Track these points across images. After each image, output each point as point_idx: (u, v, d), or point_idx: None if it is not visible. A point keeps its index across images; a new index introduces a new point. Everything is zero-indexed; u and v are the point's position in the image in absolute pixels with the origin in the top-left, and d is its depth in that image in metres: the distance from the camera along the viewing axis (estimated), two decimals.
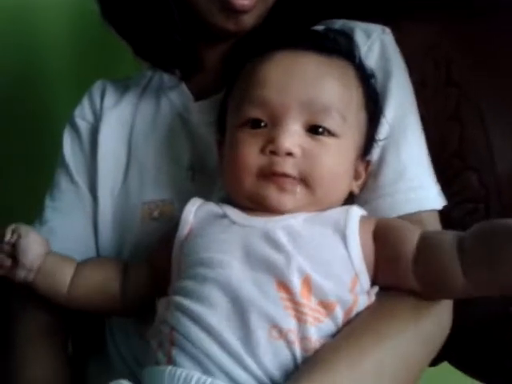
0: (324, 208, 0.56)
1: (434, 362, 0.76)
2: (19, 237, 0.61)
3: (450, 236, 0.51)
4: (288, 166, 0.54)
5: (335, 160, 0.56)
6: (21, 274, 0.61)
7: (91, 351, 0.76)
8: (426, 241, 0.52)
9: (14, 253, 0.60)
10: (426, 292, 0.53)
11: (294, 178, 0.54)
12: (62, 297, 0.64)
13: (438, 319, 0.54)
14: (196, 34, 0.69)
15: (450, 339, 0.57)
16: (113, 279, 0.64)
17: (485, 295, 0.50)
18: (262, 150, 0.55)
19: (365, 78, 0.61)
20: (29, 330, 0.69)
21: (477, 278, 0.48)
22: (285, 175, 0.54)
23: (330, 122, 0.56)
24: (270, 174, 0.55)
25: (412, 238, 0.53)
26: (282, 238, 0.52)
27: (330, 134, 0.56)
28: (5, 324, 0.70)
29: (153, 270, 0.62)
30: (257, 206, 0.56)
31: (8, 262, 0.61)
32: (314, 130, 0.56)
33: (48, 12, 1.10)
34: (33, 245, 0.61)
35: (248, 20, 0.64)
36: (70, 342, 0.77)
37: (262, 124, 0.56)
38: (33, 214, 0.74)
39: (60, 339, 0.72)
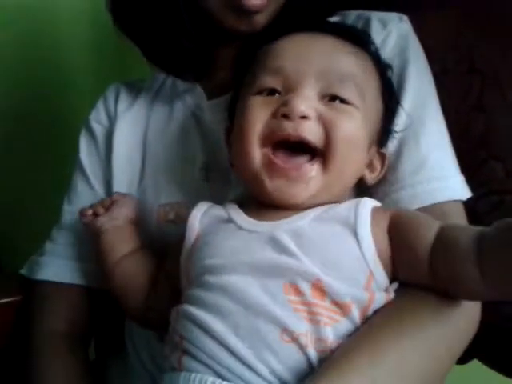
0: (336, 193, 0.54)
1: (464, 360, 0.74)
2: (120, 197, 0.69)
3: (469, 235, 0.47)
4: (303, 130, 0.51)
5: (352, 125, 0.53)
6: (103, 220, 0.65)
7: (112, 354, 0.76)
8: (442, 240, 0.49)
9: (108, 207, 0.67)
10: (443, 292, 0.50)
11: (310, 145, 0.51)
12: (110, 264, 0.64)
13: (463, 315, 0.51)
14: (208, 36, 0.68)
15: (479, 337, 0.55)
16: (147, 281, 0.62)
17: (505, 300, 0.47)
18: (274, 115, 0.53)
19: (381, 69, 0.60)
20: (46, 344, 0.68)
21: (494, 284, 0.45)
22: (300, 139, 0.51)
23: (346, 93, 0.53)
24: (277, 143, 0.52)
25: (428, 235, 0.49)
26: (288, 241, 0.50)
27: (348, 104, 0.53)
28: (22, 341, 0.70)
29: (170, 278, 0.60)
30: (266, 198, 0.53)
31: (101, 211, 0.67)
32: (330, 99, 0.53)
33: (70, 13, 1.10)
34: (128, 206, 0.67)
35: (260, 20, 0.63)
36: (91, 347, 0.76)
37: (277, 95, 0.54)
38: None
39: (79, 350, 0.70)
